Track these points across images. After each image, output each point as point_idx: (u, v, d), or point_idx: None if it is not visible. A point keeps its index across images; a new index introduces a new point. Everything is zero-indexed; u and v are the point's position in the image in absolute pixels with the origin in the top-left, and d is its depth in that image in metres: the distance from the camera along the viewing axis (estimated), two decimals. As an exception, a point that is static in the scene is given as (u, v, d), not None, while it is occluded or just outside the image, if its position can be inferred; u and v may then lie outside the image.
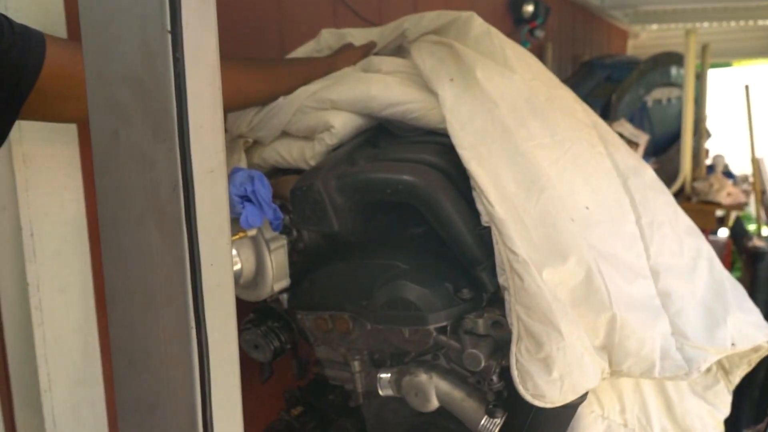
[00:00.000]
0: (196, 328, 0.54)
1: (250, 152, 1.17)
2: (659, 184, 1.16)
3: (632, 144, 2.10)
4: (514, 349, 0.91)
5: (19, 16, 0.80)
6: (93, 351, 1.15)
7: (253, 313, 1.11)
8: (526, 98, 1.06)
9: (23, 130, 1.01)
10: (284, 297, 1.08)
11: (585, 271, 0.95)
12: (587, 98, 2.62)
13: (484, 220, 0.95)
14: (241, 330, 1.10)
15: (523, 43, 2.82)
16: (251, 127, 1.13)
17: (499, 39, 1.14)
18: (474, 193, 0.97)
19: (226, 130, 1.16)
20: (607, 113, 2.53)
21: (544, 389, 0.90)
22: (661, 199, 1.14)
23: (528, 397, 0.90)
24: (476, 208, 0.96)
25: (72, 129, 1.08)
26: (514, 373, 0.90)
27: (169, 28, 0.50)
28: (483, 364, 0.91)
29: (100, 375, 1.16)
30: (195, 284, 0.53)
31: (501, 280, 0.92)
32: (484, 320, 0.94)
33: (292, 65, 1.17)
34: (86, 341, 1.14)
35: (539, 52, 3.18)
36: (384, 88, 1.08)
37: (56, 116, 0.86)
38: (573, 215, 0.98)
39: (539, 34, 2.81)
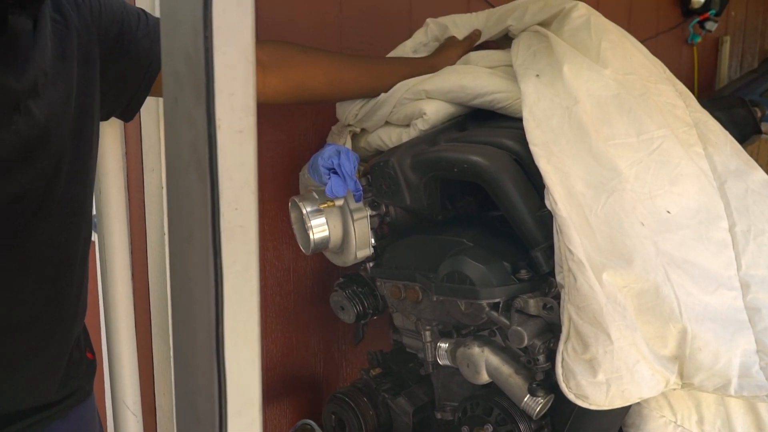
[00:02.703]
0: (214, 258, 0.66)
1: (357, 137, 1.28)
2: (769, 189, 1.08)
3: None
4: (561, 347, 0.92)
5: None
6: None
7: (342, 278, 1.22)
8: (614, 95, 1.04)
9: (169, 105, 1.21)
10: (370, 266, 1.18)
11: (652, 277, 0.92)
12: (763, 96, 2.38)
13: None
14: (331, 291, 1.22)
15: (691, 37, 2.63)
16: (358, 119, 1.24)
17: (598, 30, 1.13)
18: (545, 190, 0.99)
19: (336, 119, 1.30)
20: (782, 115, 2.28)
21: (587, 390, 0.90)
22: None
23: (571, 396, 0.91)
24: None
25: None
26: (559, 370, 0.92)
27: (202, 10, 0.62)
28: (526, 342, 0.94)
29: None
30: (215, 223, 0.65)
31: (558, 278, 0.94)
32: (536, 301, 0.96)
33: (396, 65, 1.25)
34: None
35: (713, 46, 2.93)
36: (473, 79, 1.13)
37: None
38: (645, 219, 0.96)
39: (711, 26, 2.59)
